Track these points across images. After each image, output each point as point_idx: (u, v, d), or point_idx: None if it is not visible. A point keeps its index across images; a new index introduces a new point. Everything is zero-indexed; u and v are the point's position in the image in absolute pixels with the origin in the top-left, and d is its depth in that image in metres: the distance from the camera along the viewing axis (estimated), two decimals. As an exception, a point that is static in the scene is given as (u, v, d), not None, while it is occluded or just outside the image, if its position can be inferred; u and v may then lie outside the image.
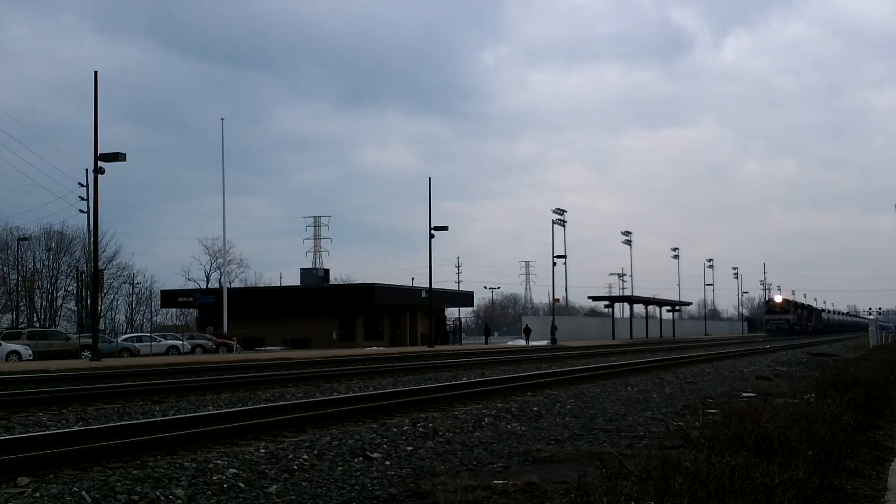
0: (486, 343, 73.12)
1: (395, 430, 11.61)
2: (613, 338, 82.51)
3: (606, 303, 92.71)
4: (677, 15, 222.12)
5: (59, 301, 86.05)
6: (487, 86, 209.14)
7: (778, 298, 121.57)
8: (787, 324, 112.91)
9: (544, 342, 67.58)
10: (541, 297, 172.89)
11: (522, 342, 71.40)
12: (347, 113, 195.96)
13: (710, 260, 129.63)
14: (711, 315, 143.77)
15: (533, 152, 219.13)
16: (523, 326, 76.04)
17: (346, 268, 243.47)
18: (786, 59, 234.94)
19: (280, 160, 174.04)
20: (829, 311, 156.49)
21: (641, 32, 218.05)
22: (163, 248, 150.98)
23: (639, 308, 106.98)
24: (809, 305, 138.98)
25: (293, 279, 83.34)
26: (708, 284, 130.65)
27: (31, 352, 42.37)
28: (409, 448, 10.51)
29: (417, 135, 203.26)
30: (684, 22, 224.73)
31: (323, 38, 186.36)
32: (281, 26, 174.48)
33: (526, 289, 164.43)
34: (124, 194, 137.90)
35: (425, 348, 54.91)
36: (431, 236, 59.71)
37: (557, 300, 79.50)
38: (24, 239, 78.26)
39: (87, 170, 58.26)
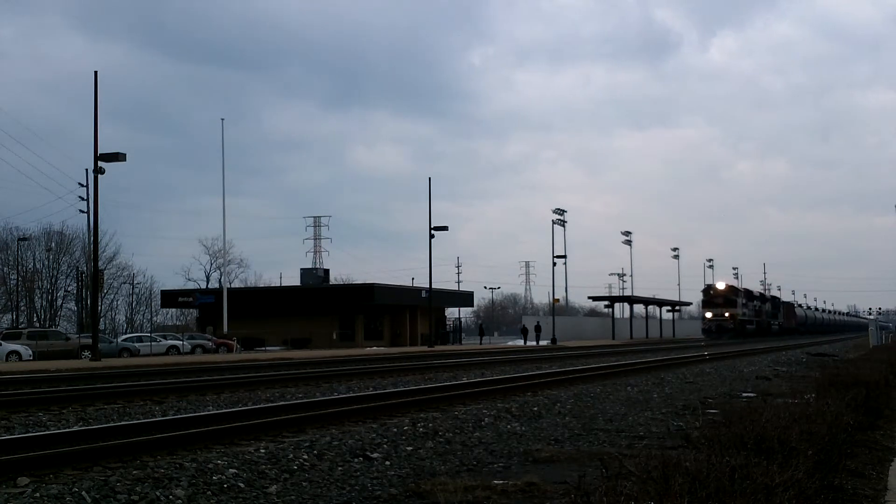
0: (479, 343, 73.19)
1: (395, 430, 11.61)
2: (613, 338, 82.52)
3: (606, 303, 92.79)
4: (662, 15, 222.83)
5: (59, 301, 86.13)
6: (475, 86, 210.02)
7: (720, 285, 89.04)
8: (732, 321, 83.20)
9: (544, 342, 67.67)
10: (541, 297, 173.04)
11: (521, 342, 71.51)
12: (335, 113, 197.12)
13: (710, 260, 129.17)
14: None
15: (523, 153, 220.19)
16: (521, 326, 76.28)
17: (345, 268, 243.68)
18: (773, 59, 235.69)
19: (270, 160, 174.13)
20: (809, 308, 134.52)
21: (626, 33, 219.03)
22: (162, 249, 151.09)
23: (639, 308, 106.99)
24: (774, 297, 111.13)
25: (293, 279, 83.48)
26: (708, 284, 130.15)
27: (31, 352, 42.36)
28: (409, 448, 10.51)
29: (407, 135, 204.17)
30: (669, 22, 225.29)
31: (308, 39, 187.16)
32: (265, 27, 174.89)
33: (526, 289, 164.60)
34: (116, 195, 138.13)
35: (425, 348, 54.91)
36: (431, 236, 59.74)
37: (557, 300, 79.56)
38: (24, 239, 78.30)
39: (87, 170, 58.30)
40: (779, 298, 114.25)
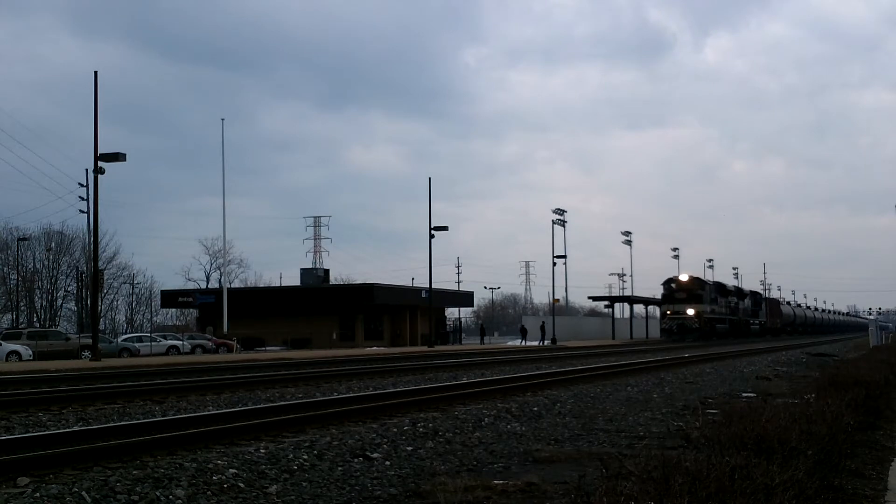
0: (481, 343, 73.29)
1: (395, 430, 11.61)
2: (613, 338, 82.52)
3: (606, 303, 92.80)
4: (655, 15, 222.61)
5: (59, 301, 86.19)
6: (469, 87, 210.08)
7: (683, 277, 74.95)
8: (697, 320, 70.78)
9: (540, 342, 67.69)
10: (541, 297, 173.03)
11: (520, 342, 71.57)
12: (330, 114, 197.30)
13: (710, 260, 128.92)
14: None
15: (518, 153, 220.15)
16: (520, 326, 76.42)
17: (345, 268, 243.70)
18: (767, 59, 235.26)
19: (266, 161, 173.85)
20: (799, 306, 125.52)
21: (620, 33, 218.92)
22: (162, 249, 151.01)
23: (639, 308, 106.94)
24: (755, 292, 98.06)
25: (293, 279, 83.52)
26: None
27: (31, 352, 42.35)
28: (410, 448, 10.51)
29: (403, 136, 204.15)
30: (663, 22, 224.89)
31: (302, 40, 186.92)
32: (259, 27, 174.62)
33: (526, 289, 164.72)
34: (116, 195, 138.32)
35: (425, 348, 54.92)
36: (432, 236, 59.74)
37: (557, 300, 79.56)
38: (24, 239, 78.32)
39: (87, 170, 58.36)
40: (761, 294, 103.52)
